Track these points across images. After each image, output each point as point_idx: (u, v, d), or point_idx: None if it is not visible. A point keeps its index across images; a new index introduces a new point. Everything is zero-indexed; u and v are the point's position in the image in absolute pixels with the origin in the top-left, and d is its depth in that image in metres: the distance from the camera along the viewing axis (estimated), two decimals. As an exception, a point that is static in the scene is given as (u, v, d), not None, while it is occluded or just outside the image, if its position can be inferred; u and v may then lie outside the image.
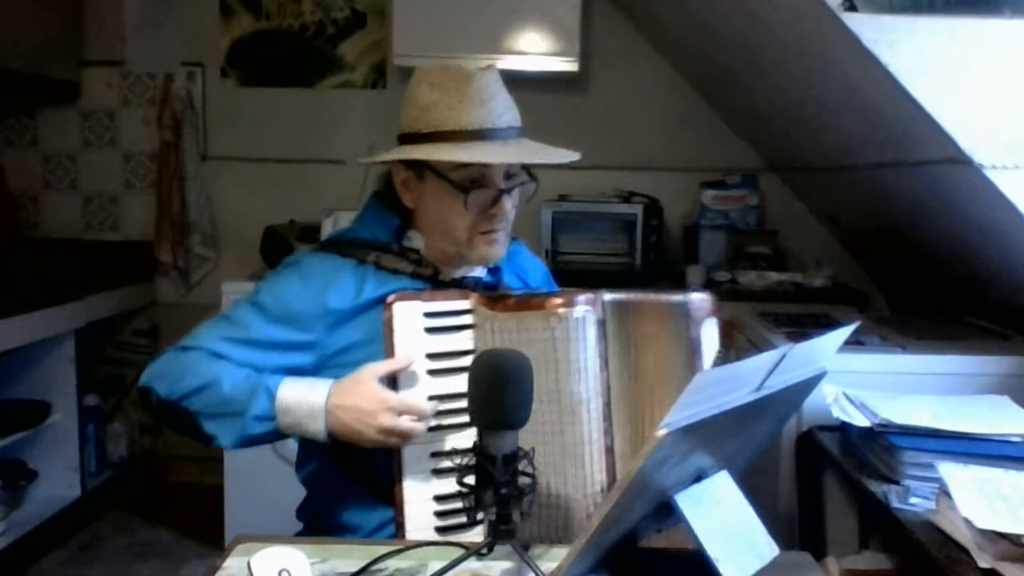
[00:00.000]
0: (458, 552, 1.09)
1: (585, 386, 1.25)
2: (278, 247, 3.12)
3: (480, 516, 1.06)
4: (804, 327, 2.29)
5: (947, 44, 1.76)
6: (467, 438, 1.22)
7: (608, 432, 1.26)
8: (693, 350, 1.32)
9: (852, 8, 1.76)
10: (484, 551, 1.06)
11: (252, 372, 1.28)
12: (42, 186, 3.77)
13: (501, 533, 1.04)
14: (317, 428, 1.25)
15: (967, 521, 1.32)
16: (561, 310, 1.25)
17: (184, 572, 2.97)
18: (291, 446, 3.19)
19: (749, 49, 2.66)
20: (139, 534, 3.25)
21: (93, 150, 3.76)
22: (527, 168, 1.40)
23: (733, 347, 2.78)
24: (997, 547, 1.28)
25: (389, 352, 1.28)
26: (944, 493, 1.41)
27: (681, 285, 3.22)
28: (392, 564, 1.12)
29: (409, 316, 1.29)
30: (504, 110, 1.34)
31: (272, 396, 1.25)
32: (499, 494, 1.03)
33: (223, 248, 3.76)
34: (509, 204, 1.37)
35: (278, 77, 3.69)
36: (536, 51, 3.21)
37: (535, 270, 1.61)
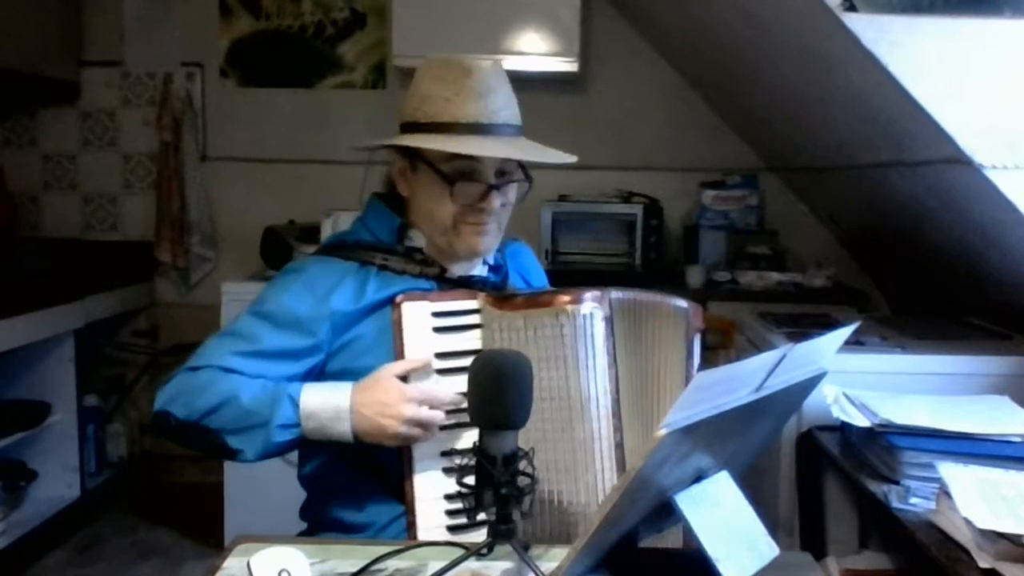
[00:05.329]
0: (458, 552, 1.09)
1: (594, 383, 1.27)
2: (278, 247, 3.12)
3: (481, 516, 1.06)
4: (804, 327, 2.29)
5: (947, 44, 1.76)
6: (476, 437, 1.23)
7: (618, 428, 1.28)
8: (688, 354, 1.37)
9: (852, 8, 1.76)
10: (484, 551, 1.06)
11: (268, 383, 1.28)
12: (42, 186, 3.77)
13: (501, 533, 1.04)
14: (343, 429, 1.25)
15: (967, 521, 1.32)
16: (569, 307, 1.26)
17: (184, 572, 2.97)
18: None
19: (749, 49, 2.67)
20: (139, 534, 3.25)
21: (93, 150, 3.76)
22: (523, 167, 1.40)
23: (733, 347, 2.78)
24: (997, 547, 1.28)
25: (398, 352, 1.28)
26: (944, 493, 1.41)
27: (681, 285, 3.21)
28: (392, 564, 1.12)
29: (417, 316, 1.30)
30: (502, 106, 1.34)
31: (295, 403, 1.25)
32: (499, 494, 1.03)
33: (223, 248, 3.76)
34: (498, 201, 1.36)
35: (278, 77, 3.69)
36: (536, 51, 3.21)
37: (538, 274, 1.62)
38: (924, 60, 1.78)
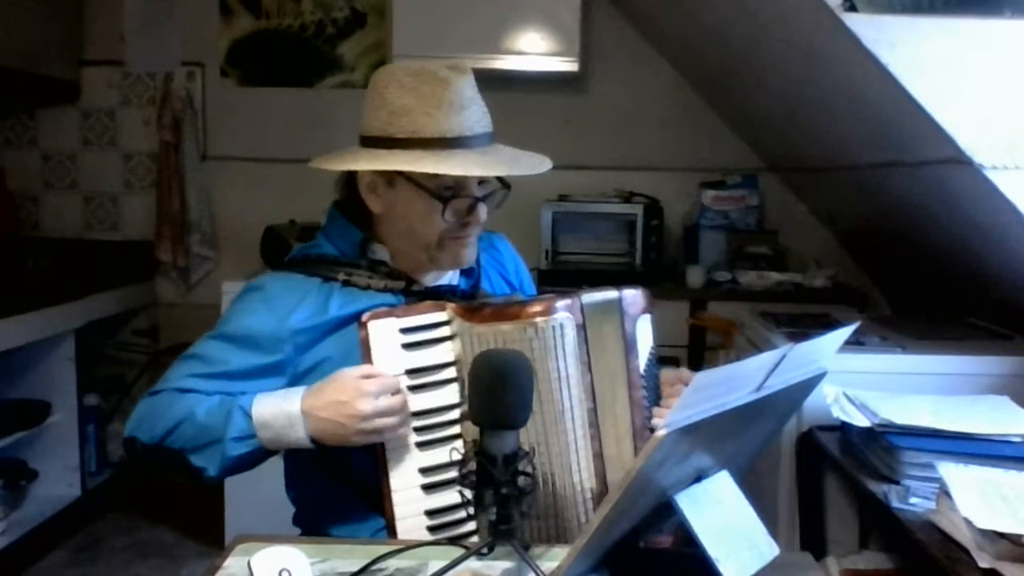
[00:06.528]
0: (458, 552, 1.09)
1: (567, 394, 1.23)
2: (278, 247, 3.12)
3: (474, 525, 1.05)
4: (804, 327, 2.29)
5: (947, 44, 1.76)
6: (454, 451, 1.22)
7: (595, 437, 1.25)
8: (629, 347, 1.28)
9: (852, 8, 1.76)
10: (484, 551, 1.06)
11: (225, 398, 1.26)
12: (42, 186, 3.78)
13: (501, 533, 1.04)
14: (298, 436, 1.22)
15: (967, 521, 1.32)
16: (539, 319, 1.21)
17: (184, 572, 2.97)
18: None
19: (749, 49, 2.67)
20: (139, 534, 3.25)
21: (93, 150, 3.76)
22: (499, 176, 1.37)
23: (733, 347, 2.78)
24: (997, 547, 1.28)
25: None
26: (944, 493, 1.42)
27: (681, 285, 3.22)
28: (392, 564, 1.13)
29: (385, 334, 1.26)
30: (480, 116, 1.31)
31: (247, 414, 1.23)
32: (499, 494, 1.03)
33: (223, 248, 3.76)
34: (484, 212, 1.34)
35: (278, 77, 3.69)
36: (536, 51, 3.21)
37: (515, 264, 1.59)
38: (924, 60, 1.78)
